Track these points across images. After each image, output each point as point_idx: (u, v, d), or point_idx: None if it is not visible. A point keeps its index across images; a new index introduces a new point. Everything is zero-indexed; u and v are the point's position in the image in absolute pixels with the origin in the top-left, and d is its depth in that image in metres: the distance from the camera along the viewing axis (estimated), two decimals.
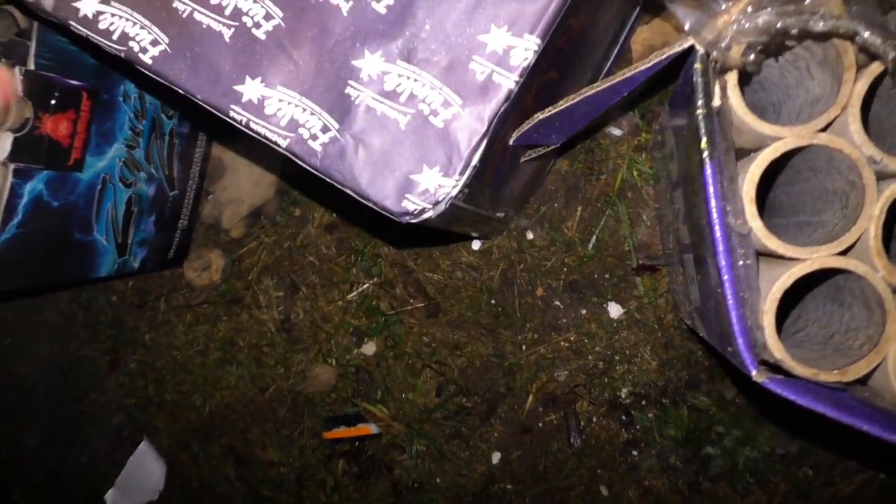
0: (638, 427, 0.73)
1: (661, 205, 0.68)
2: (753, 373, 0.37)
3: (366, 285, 0.79)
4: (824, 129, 0.38)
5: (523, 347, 0.75)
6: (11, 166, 0.54)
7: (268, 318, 0.82)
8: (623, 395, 0.74)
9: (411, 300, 0.78)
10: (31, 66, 0.54)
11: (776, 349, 0.37)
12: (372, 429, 0.79)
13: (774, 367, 0.38)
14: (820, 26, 0.32)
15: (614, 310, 0.73)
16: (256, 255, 0.82)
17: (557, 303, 0.75)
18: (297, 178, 0.80)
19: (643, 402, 0.73)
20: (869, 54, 0.33)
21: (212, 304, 0.83)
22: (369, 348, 0.80)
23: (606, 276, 0.74)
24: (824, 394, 0.37)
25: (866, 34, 0.31)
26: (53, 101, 0.56)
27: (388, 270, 0.79)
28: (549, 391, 0.75)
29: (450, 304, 0.77)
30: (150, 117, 0.69)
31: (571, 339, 0.75)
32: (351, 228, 0.80)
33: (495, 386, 0.76)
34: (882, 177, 0.38)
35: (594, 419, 0.74)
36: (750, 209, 0.37)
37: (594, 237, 0.74)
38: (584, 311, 0.74)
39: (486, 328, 0.76)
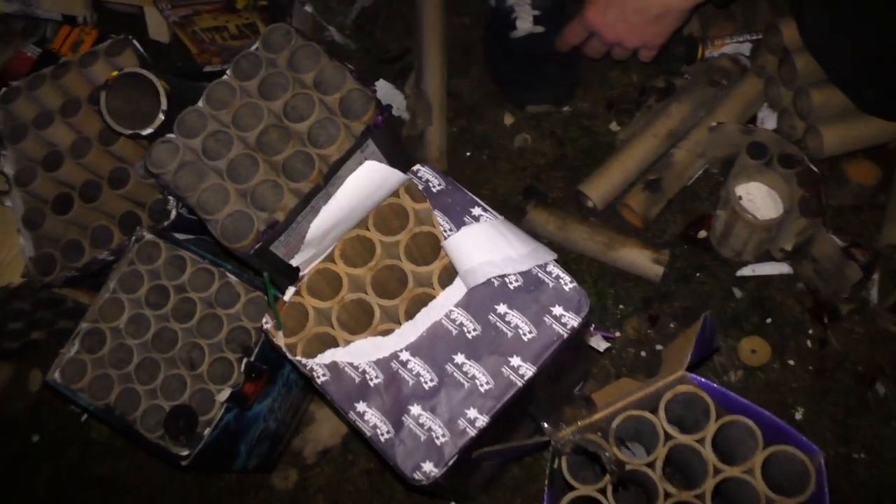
0: None
1: None
2: None
3: None
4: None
5: None
6: (224, 405, 1.06)
7: None
8: None
9: None
10: (252, 359, 1.07)
11: None
12: None
13: None
14: (590, 448, 0.82)
15: None
16: (318, 478, 1.29)
17: None
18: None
19: None
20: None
21: None
22: None
23: None
24: None
25: (606, 455, 0.80)
26: (253, 376, 1.09)
27: None
28: None
29: None
30: (290, 385, 1.22)
31: None
32: (383, 475, 1.27)
33: None
34: None
35: None
36: None
37: None
38: None
39: None
